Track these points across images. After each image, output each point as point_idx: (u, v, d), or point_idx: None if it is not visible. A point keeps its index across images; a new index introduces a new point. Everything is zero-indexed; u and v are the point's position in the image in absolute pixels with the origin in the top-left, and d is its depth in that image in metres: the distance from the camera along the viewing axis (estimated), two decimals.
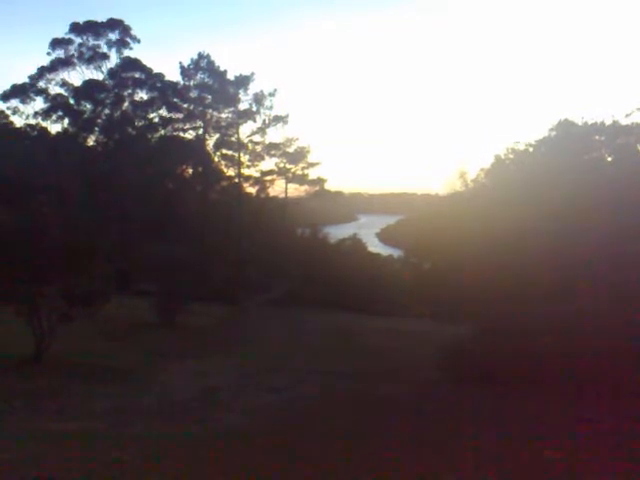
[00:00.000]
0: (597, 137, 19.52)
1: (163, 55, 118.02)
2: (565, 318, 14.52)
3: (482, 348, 16.51)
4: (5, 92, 52.84)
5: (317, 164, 52.82)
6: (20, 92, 52.51)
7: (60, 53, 51.97)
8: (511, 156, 20.42)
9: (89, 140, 54.35)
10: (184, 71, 49.90)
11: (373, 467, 7.88)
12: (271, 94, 50.23)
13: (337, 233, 61.68)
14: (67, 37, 51.85)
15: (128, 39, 52.49)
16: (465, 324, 18.95)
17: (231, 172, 53.12)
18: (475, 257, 16.93)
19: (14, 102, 52.98)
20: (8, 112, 55.19)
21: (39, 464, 7.64)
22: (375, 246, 68.48)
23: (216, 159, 52.81)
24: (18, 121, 55.72)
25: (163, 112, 52.52)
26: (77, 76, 52.81)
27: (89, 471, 7.48)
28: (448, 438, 9.55)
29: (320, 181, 53.23)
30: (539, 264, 15.14)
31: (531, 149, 20.34)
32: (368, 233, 75.41)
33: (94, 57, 52.32)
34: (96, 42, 52.36)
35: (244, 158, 51.42)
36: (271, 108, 50.38)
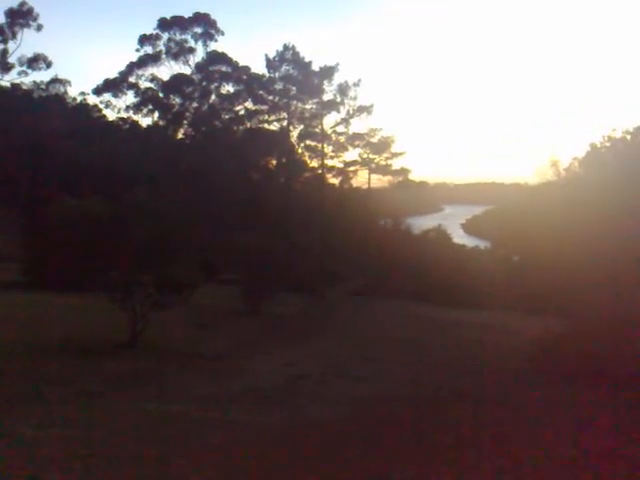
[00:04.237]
0: None
1: (246, 45, 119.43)
2: None
3: (572, 342, 15.94)
4: (98, 86, 55.40)
5: (401, 154, 52.23)
6: (112, 87, 54.85)
7: (148, 49, 53.91)
8: (607, 144, 19.47)
9: (178, 133, 56.21)
10: (269, 63, 50.51)
11: (452, 461, 7.74)
12: (355, 84, 50.07)
13: (421, 224, 61.00)
14: (155, 33, 53.75)
15: (213, 32, 53.78)
16: (555, 317, 18.35)
17: (314, 163, 53.49)
18: (567, 249, 16.33)
19: (107, 96, 55.49)
20: (101, 106, 57.85)
21: (141, 444, 7.97)
22: (460, 237, 67.27)
23: (300, 150, 53.29)
24: (110, 115, 58.31)
25: (249, 104, 53.52)
26: (166, 70, 54.63)
27: (186, 452, 7.76)
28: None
29: (404, 171, 52.65)
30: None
31: (629, 137, 19.33)
32: (453, 224, 74.20)
33: (181, 52, 53.91)
34: (182, 37, 53.94)
35: (327, 149, 51.56)
36: (355, 98, 50.24)
